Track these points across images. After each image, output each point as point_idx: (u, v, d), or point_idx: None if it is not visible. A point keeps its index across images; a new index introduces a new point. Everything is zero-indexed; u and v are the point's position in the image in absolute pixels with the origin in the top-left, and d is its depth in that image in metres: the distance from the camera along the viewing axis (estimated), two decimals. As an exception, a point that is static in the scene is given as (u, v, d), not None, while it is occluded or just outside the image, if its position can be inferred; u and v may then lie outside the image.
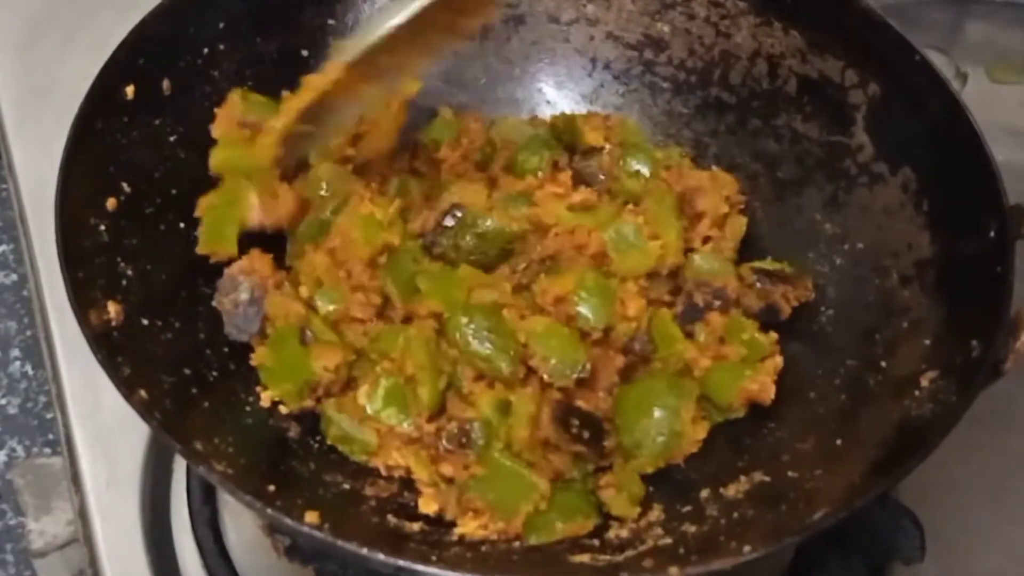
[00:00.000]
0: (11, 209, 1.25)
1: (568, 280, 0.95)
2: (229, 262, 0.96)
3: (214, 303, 0.95)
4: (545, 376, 0.90)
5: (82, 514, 1.05)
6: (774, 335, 0.97)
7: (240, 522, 1.00)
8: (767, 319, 0.98)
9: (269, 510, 0.76)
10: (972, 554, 1.03)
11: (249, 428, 0.91)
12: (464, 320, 0.91)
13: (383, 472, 0.90)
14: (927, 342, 0.90)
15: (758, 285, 0.99)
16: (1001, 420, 0.96)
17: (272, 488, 0.82)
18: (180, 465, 1.06)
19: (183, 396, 0.88)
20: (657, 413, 0.91)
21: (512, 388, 0.91)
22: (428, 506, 0.87)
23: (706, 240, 1.02)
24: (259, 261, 0.96)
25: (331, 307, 0.95)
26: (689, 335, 0.97)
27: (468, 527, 0.85)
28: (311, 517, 0.78)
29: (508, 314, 0.93)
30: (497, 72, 1.15)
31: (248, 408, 0.93)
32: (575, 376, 0.91)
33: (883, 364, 0.92)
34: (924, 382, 0.86)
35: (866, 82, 1.01)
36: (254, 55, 1.06)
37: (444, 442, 0.89)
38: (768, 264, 1.02)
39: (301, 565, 0.96)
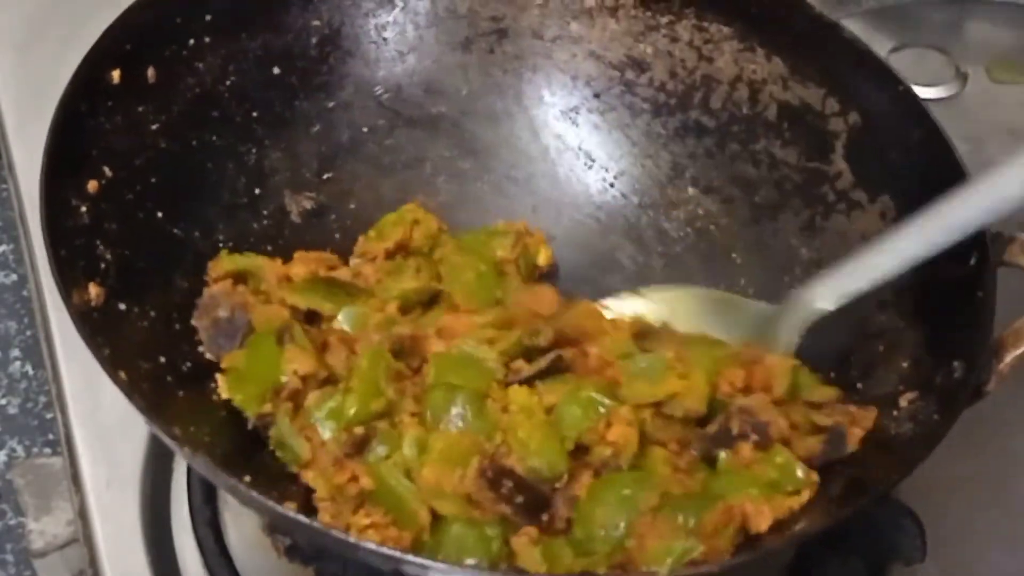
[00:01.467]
0: (11, 209, 1.24)
1: (564, 388, 0.90)
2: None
3: (193, 322, 0.94)
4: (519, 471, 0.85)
5: (82, 514, 1.03)
6: (815, 475, 0.86)
7: (240, 522, 0.98)
8: (834, 455, 0.88)
9: (253, 492, 0.75)
10: (973, 554, 1.02)
11: (223, 421, 0.90)
12: (444, 398, 0.89)
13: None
14: (905, 364, 0.90)
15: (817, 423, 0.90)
16: (1002, 420, 0.97)
17: (248, 478, 0.81)
18: (180, 465, 1.04)
19: (159, 383, 0.87)
20: (611, 501, 0.85)
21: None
22: (323, 516, 0.83)
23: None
24: (241, 288, 0.97)
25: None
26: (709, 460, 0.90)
27: (362, 536, 0.81)
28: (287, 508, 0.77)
29: (491, 405, 0.90)
30: (479, 84, 1.14)
31: (223, 401, 0.92)
32: (551, 484, 0.86)
33: (859, 386, 0.93)
34: (903, 402, 0.87)
35: (847, 111, 1.02)
36: (238, 50, 1.05)
37: (344, 446, 0.86)
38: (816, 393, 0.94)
39: (301, 565, 0.95)
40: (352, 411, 0.87)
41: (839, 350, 0.96)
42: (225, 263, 0.98)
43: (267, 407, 0.90)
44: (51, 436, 1.32)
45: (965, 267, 0.89)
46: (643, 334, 0.98)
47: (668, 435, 0.89)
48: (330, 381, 0.92)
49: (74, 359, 1.09)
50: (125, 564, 0.99)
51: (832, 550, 0.97)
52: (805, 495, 0.85)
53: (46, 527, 1.12)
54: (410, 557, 0.71)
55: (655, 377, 0.90)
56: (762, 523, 0.83)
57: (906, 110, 0.98)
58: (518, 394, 0.90)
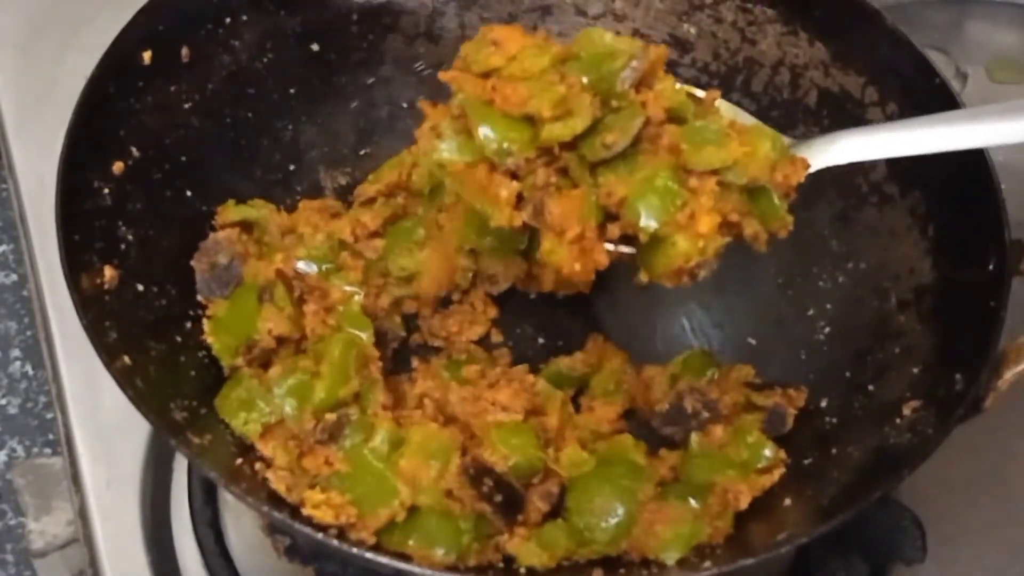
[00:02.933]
0: (11, 209, 1.25)
1: (635, 179, 0.83)
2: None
3: (192, 263, 0.96)
4: (500, 470, 0.86)
5: (82, 514, 1.05)
6: (782, 452, 0.91)
7: (241, 522, 1.00)
8: (773, 433, 0.93)
9: (250, 499, 0.77)
10: (973, 554, 1.03)
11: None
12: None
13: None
14: (915, 370, 0.90)
15: (756, 402, 0.95)
16: (1002, 420, 0.96)
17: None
18: (180, 465, 1.06)
19: (170, 363, 0.89)
20: (609, 491, 0.87)
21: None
22: (278, 485, 0.83)
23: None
24: (245, 237, 0.98)
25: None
26: (676, 444, 0.94)
27: (315, 512, 0.81)
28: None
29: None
30: (521, 61, 1.14)
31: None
32: (528, 480, 0.87)
33: (871, 388, 0.92)
34: (906, 411, 0.86)
35: (885, 101, 1.00)
36: (277, 27, 1.06)
37: (318, 433, 0.87)
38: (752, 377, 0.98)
39: (301, 565, 0.97)
40: (320, 397, 0.88)
41: (857, 349, 0.96)
42: (231, 212, 0.99)
43: (239, 360, 0.91)
44: (51, 436, 1.33)
45: (983, 272, 0.88)
46: (692, 97, 0.90)
47: (727, 206, 0.84)
48: (305, 338, 0.94)
49: (74, 359, 1.10)
50: (125, 564, 1.01)
51: (833, 550, 0.97)
52: (776, 473, 0.89)
53: (46, 527, 1.16)
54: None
55: (719, 141, 0.84)
56: (742, 502, 0.87)
57: (942, 105, 0.95)
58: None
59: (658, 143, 0.84)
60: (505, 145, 0.83)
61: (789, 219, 0.88)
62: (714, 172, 0.84)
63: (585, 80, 0.84)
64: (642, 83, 0.86)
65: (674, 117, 0.86)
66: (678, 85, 0.88)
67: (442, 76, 0.88)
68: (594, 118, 0.83)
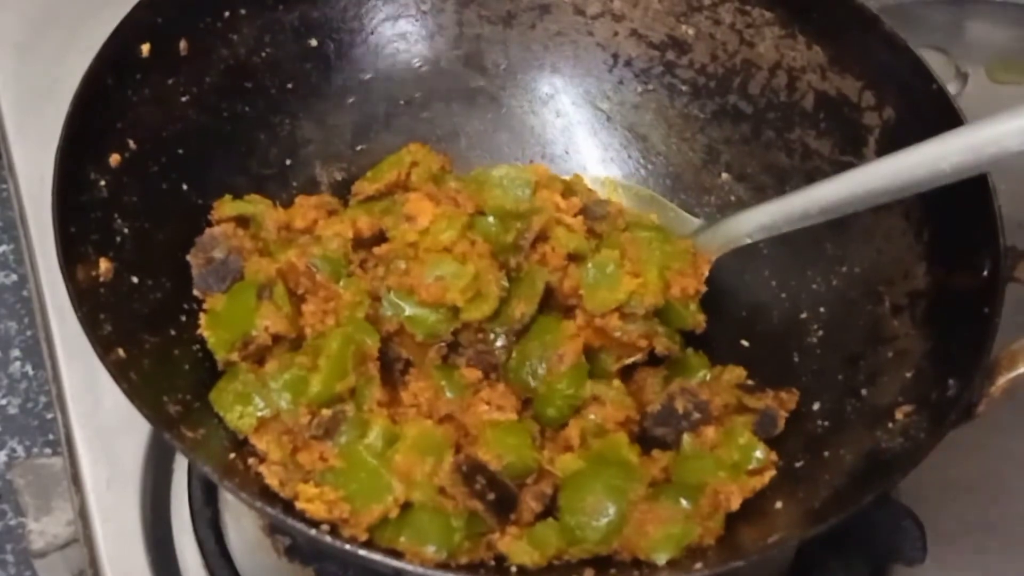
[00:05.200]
0: (11, 209, 1.25)
1: (542, 383, 0.94)
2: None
3: (188, 258, 0.95)
4: (493, 468, 0.86)
5: (82, 514, 1.05)
6: (773, 454, 0.91)
7: (241, 522, 1.00)
8: (763, 435, 0.93)
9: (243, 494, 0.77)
10: (973, 554, 1.03)
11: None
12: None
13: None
14: (908, 375, 0.89)
15: (748, 404, 0.95)
16: (1001, 420, 0.96)
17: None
18: (180, 465, 1.06)
19: (164, 357, 0.89)
20: (601, 490, 0.87)
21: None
22: (271, 479, 0.84)
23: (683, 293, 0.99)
24: (241, 232, 0.98)
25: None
26: (668, 445, 0.94)
27: (308, 506, 0.81)
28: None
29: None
30: (518, 59, 1.14)
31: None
32: (522, 480, 0.88)
33: (863, 392, 0.92)
34: (899, 415, 0.86)
35: (882, 105, 1.00)
36: (274, 22, 1.06)
37: (313, 428, 0.87)
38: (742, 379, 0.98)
39: (301, 565, 0.97)
40: (316, 390, 0.88)
41: (850, 353, 0.96)
42: (227, 207, 1.00)
43: (234, 355, 0.91)
44: (51, 436, 1.34)
45: (977, 278, 0.88)
46: (592, 210, 1.03)
47: (633, 334, 0.95)
48: (301, 337, 0.93)
49: (74, 359, 1.11)
50: (125, 564, 1.02)
51: (833, 551, 0.97)
52: (767, 475, 0.89)
53: (46, 527, 1.15)
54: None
55: (611, 283, 0.95)
56: (733, 503, 0.87)
57: (938, 110, 0.96)
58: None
59: (563, 286, 0.96)
60: (431, 328, 0.94)
61: (701, 318, 0.99)
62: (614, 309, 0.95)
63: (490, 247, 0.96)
64: (539, 237, 0.98)
65: (574, 256, 0.98)
66: (574, 219, 1.01)
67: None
68: (500, 298, 0.94)
